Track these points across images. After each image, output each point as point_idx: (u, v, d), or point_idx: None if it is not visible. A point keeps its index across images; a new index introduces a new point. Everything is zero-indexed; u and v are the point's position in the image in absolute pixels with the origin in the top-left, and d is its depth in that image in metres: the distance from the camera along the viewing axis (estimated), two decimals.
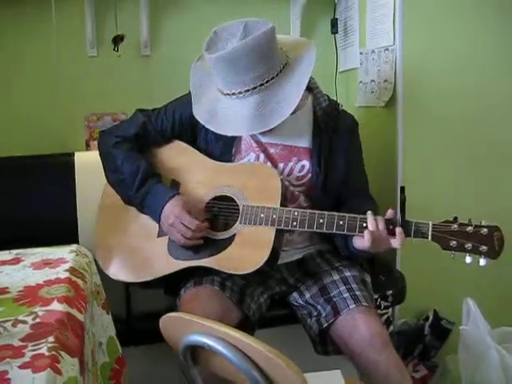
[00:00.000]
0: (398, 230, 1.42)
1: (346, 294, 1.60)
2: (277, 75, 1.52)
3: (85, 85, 2.49)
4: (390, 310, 2.13)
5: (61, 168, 2.25)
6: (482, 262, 1.38)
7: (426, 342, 2.26)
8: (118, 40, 2.41)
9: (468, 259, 1.39)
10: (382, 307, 1.98)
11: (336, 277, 1.67)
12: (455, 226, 1.40)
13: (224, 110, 1.57)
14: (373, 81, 2.37)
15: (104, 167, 1.75)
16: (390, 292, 1.99)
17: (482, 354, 1.95)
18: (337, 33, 2.68)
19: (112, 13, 2.42)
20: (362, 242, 1.48)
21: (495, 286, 2.18)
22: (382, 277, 1.82)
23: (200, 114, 1.62)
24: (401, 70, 2.17)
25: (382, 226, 1.44)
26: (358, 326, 1.52)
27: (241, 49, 1.45)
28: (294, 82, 1.53)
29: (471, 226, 1.39)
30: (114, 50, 2.42)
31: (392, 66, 2.20)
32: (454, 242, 1.39)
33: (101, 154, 1.76)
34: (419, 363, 2.24)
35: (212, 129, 1.59)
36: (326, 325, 1.59)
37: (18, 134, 2.45)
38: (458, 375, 2.06)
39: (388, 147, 2.24)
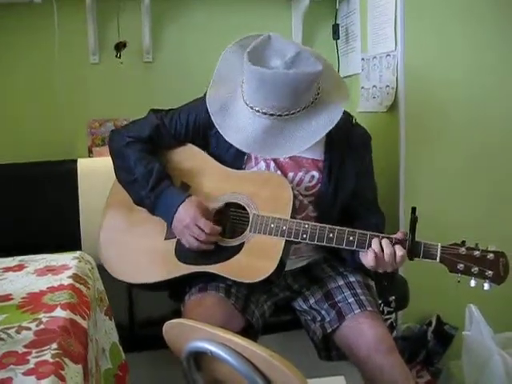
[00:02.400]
0: (399, 250, 1.44)
1: (351, 299, 1.60)
2: (298, 112, 1.50)
3: (87, 91, 2.51)
4: (393, 315, 2.13)
5: (64, 175, 2.26)
6: (487, 286, 1.41)
7: (429, 348, 2.25)
8: (120, 47, 2.43)
9: (472, 283, 1.41)
10: (385, 312, 1.98)
11: (341, 282, 1.68)
12: (463, 249, 1.42)
13: (235, 112, 1.56)
14: (374, 86, 2.38)
15: (115, 166, 1.72)
16: (393, 297, 1.99)
17: (485, 360, 1.95)
18: (338, 39, 2.69)
19: (114, 20, 2.43)
20: (366, 260, 1.49)
21: (498, 291, 2.17)
22: (384, 282, 1.82)
23: (212, 100, 1.59)
24: (402, 75, 2.17)
25: (388, 249, 1.44)
26: (364, 330, 1.52)
27: (280, 78, 1.43)
28: (307, 132, 1.52)
29: (478, 250, 1.41)
30: (116, 56, 2.43)
31: (394, 72, 2.20)
32: (462, 266, 1.41)
33: (112, 153, 1.74)
34: (423, 369, 2.24)
35: (215, 123, 1.57)
36: (331, 330, 1.59)
37: (21, 141, 2.45)
38: (462, 381, 2.06)
39: (391, 152, 2.24)
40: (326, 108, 1.54)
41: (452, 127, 2.24)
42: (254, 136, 1.51)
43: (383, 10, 2.25)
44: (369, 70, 2.43)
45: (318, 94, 1.55)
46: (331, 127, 1.52)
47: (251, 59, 1.46)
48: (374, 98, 2.38)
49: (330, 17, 2.70)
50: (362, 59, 2.49)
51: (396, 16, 2.16)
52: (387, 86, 2.26)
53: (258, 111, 1.50)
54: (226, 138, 1.56)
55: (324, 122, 1.52)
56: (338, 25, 2.68)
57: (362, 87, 2.49)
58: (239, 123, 1.54)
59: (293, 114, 1.50)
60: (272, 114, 1.49)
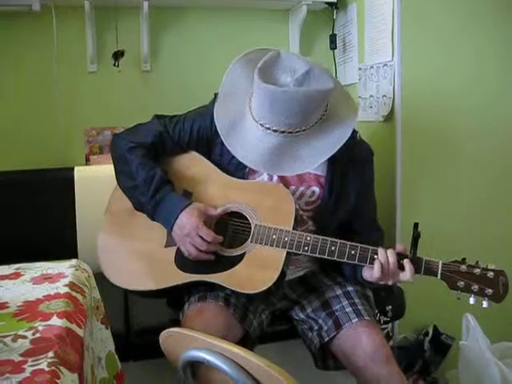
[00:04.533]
0: (408, 262, 1.44)
1: (349, 309, 1.60)
2: (308, 129, 1.48)
3: (85, 100, 2.51)
4: (390, 325, 2.12)
5: (61, 182, 2.25)
6: (485, 304, 1.41)
7: (426, 358, 2.25)
8: (118, 55, 2.43)
9: (472, 300, 1.42)
10: (382, 322, 1.97)
11: (338, 291, 1.67)
12: (464, 267, 1.42)
13: (243, 129, 1.53)
14: (371, 96, 2.38)
15: (116, 171, 1.70)
16: (390, 307, 1.98)
17: (482, 369, 1.94)
18: (335, 48, 2.71)
19: (113, 28, 2.44)
20: (371, 273, 1.48)
21: None
22: (381, 292, 1.82)
23: (221, 117, 1.56)
24: (399, 84, 2.19)
25: (392, 258, 1.45)
26: (361, 339, 1.52)
27: (290, 96, 1.40)
28: (316, 150, 1.50)
29: (479, 268, 1.41)
30: (114, 65, 2.44)
31: (391, 81, 2.21)
32: (462, 283, 1.42)
33: (113, 157, 1.71)
34: (419, 378, 2.23)
35: (224, 141, 1.54)
36: (328, 339, 1.59)
37: (18, 149, 2.45)
38: None
39: (387, 161, 2.25)
40: (334, 125, 1.52)
41: (449, 137, 2.25)
42: (263, 153, 1.49)
43: (380, 20, 2.27)
44: (366, 80, 2.44)
45: (326, 110, 1.53)
46: (339, 146, 1.50)
47: (261, 76, 1.44)
48: (371, 107, 2.39)
49: (327, 27, 2.72)
50: (359, 69, 2.50)
51: (393, 26, 2.17)
52: (384, 95, 2.27)
53: (267, 128, 1.47)
54: (236, 156, 1.53)
55: (333, 141, 1.50)
56: (335, 35, 2.69)
57: (359, 97, 2.50)
58: (248, 140, 1.52)
59: (303, 130, 1.48)
60: (282, 132, 1.46)
